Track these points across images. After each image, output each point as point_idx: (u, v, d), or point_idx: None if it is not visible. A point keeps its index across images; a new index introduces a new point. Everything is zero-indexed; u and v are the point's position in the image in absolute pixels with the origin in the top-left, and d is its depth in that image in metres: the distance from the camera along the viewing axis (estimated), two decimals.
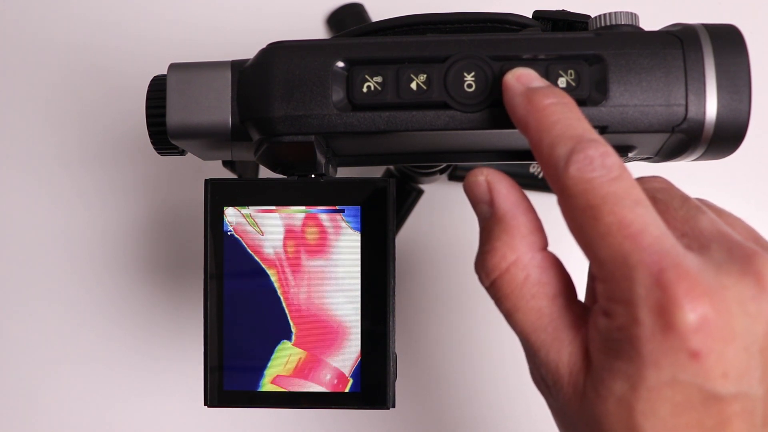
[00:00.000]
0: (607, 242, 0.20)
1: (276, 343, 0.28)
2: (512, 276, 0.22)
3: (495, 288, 0.23)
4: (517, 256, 0.23)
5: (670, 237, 0.20)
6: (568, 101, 0.23)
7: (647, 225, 0.20)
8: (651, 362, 0.19)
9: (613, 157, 0.21)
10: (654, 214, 0.20)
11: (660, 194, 0.23)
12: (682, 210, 0.22)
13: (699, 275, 0.19)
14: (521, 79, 0.24)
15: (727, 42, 0.25)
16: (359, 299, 0.28)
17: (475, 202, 0.24)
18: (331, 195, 0.28)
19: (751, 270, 0.20)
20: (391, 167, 0.46)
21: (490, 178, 0.24)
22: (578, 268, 0.24)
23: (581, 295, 0.24)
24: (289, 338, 0.28)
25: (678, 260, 0.19)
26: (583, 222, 0.21)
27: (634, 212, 0.20)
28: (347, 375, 0.28)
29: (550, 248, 0.24)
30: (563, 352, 0.22)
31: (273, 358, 0.28)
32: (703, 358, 0.19)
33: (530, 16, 0.28)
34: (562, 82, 0.25)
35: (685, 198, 0.23)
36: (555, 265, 0.23)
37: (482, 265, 0.23)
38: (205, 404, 0.28)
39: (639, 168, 0.38)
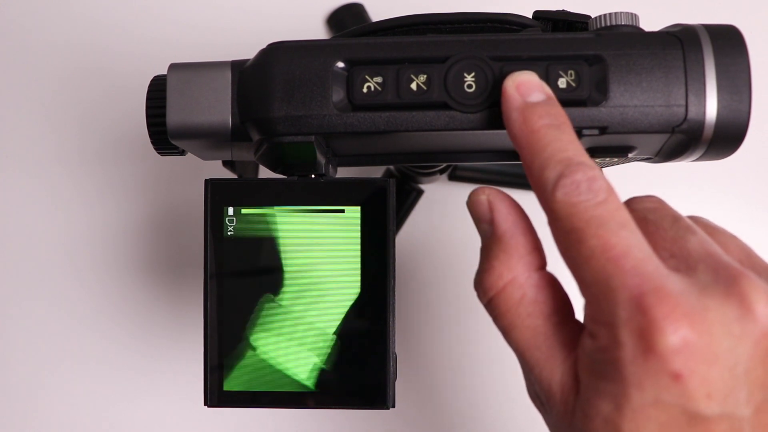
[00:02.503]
0: (591, 265, 0.20)
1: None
2: (508, 295, 0.23)
3: (492, 306, 0.23)
4: (514, 276, 0.23)
5: (654, 259, 0.20)
6: (562, 122, 0.23)
7: (630, 248, 0.20)
8: (634, 383, 0.19)
9: (600, 181, 0.21)
10: (639, 236, 0.21)
11: (651, 214, 0.23)
12: (672, 230, 0.22)
13: (680, 298, 0.19)
14: (521, 88, 0.24)
15: (727, 42, 0.25)
16: (359, 299, 0.28)
17: (476, 221, 0.24)
18: (331, 195, 0.28)
19: (735, 291, 0.20)
20: (391, 167, 0.46)
21: (491, 197, 0.24)
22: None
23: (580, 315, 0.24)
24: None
25: (659, 283, 0.19)
26: (568, 245, 0.21)
27: (617, 235, 0.20)
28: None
29: (555, 261, 0.24)
30: (556, 370, 0.22)
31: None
32: (685, 379, 0.19)
33: (530, 16, 0.28)
34: (562, 82, 0.25)
35: (676, 218, 0.23)
36: (552, 284, 0.23)
37: (480, 284, 0.24)
38: (205, 404, 0.28)
39: (639, 168, 0.38)
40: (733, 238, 0.23)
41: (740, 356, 0.19)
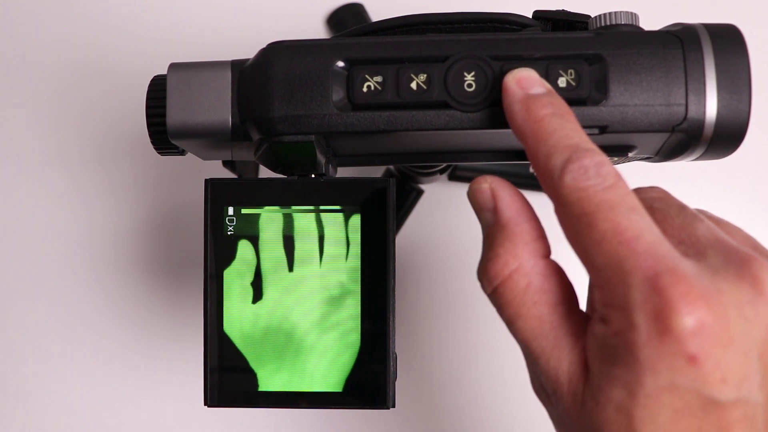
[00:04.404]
0: (603, 249, 0.20)
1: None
2: (514, 283, 0.22)
3: (497, 295, 0.23)
4: (520, 263, 0.23)
5: (666, 243, 0.20)
6: (565, 111, 0.23)
7: (642, 231, 0.20)
8: (648, 367, 0.19)
9: (608, 166, 0.21)
10: (649, 220, 0.20)
11: (657, 203, 0.23)
12: (679, 218, 0.22)
13: (695, 280, 0.19)
14: (521, 83, 0.23)
15: (727, 42, 0.25)
16: (359, 299, 0.28)
17: (478, 210, 0.24)
18: (331, 195, 0.28)
19: (747, 274, 0.19)
20: (391, 167, 0.46)
21: (494, 185, 0.24)
22: (580, 277, 0.24)
23: (583, 305, 0.24)
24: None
25: (673, 265, 0.19)
26: (578, 230, 0.21)
27: (628, 219, 0.20)
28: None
29: (554, 254, 0.24)
30: (563, 360, 0.22)
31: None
32: (701, 362, 0.19)
33: (530, 16, 0.28)
34: (562, 81, 0.25)
35: (682, 207, 0.23)
36: (557, 273, 0.23)
37: (484, 272, 0.23)
38: (205, 404, 0.28)
39: (639, 168, 0.38)
40: (737, 229, 0.23)
41: (754, 340, 0.19)
